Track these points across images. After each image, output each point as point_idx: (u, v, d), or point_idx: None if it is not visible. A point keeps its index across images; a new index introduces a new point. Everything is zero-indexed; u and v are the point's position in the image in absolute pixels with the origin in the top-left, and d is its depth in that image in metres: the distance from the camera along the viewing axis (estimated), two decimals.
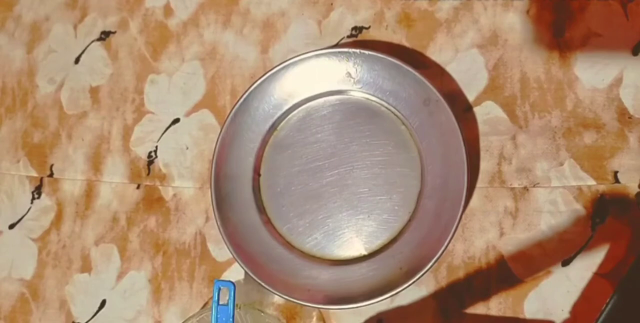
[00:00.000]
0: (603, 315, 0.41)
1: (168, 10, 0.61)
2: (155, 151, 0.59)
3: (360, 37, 0.55)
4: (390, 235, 0.49)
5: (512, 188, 0.49)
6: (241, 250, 0.50)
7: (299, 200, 0.52)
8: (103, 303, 0.57)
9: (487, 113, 0.51)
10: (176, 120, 0.59)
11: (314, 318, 0.51)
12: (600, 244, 0.46)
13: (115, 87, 0.61)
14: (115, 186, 0.59)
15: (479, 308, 0.48)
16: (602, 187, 0.47)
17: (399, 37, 0.54)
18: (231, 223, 0.51)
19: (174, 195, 0.57)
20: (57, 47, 0.64)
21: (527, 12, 0.51)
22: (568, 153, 0.48)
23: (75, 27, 0.64)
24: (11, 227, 0.62)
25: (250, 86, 0.52)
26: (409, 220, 0.49)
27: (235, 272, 0.53)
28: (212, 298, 0.45)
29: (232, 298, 0.44)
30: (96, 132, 0.61)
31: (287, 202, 0.52)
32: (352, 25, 0.55)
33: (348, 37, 0.55)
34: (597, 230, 0.46)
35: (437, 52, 0.53)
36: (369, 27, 0.55)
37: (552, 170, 0.48)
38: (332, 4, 0.56)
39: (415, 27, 0.54)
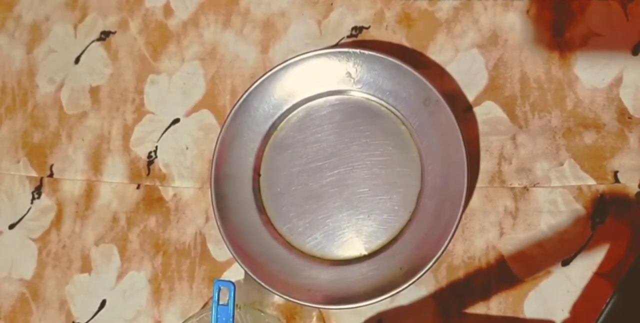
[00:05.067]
0: (603, 315, 0.41)
1: (168, 10, 0.61)
2: (155, 151, 0.59)
3: (360, 37, 0.55)
4: (390, 235, 0.49)
5: (512, 188, 0.49)
6: (241, 250, 0.50)
7: (299, 200, 0.52)
8: (103, 303, 0.57)
9: (487, 113, 0.51)
10: (176, 120, 0.59)
11: (314, 318, 0.51)
12: (600, 244, 0.46)
13: (115, 87, 0.61)
14: (115, 186, 0.59)
15: (479, 308, 0.48)
16: (602, 187, 0.47)
17: (399, 37, 0.54)
18: (231, 223, 0.51)
19: (174, 195, 0.57)
20: (57, 47, 0.64)
21: (527, 12, 0.51)
22: (568, 153, 0.48)
23: (75, 27, 0.64)
24: (11, 227, 0.62)
25: (250, 86, 0.52)
26: (409, 220, 0.49)
27: (235, 272, 0.53)
28: (212, 298, 0.45)
29: (232, 298, 0.44)
30: (96, 132, 0.61)
31: (287, 202, 0.52)
32: (352, 25, 0.55)
33: (348, 37, 0.55)
34: (597, 230, 0.46)
35: (437, 52, 0.53)
36: (369, 27, 0.55)
37: (552, 170, 0.48)
38: (332, 4, 0.56)
39: (415, 27, 0.54)
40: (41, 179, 0.62)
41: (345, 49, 0.51)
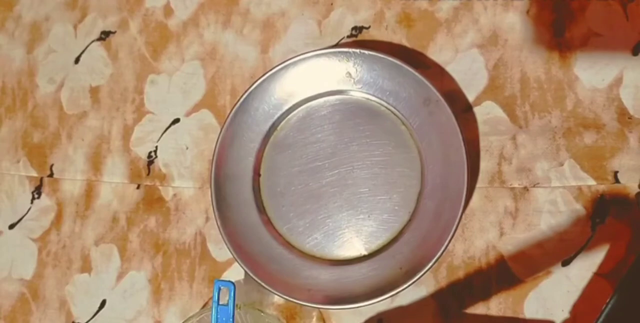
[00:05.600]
0: (603, 315, 0.41)
1: (168, 10, 0.61)
2: (155, 151, 0.59)
3: (360, 37, 0.55)
4: (390, 235, 0.49)
5: (512, 188, 0.49)
6: (241, 250, 0.50)
7: (299, 200, 0.52)
8: (103, 303, 0.57)
9: (487, 113, 0.51)
10: (176, 120, 0.59)
11: (314, 318, 0.51)
12: (600, 244, 0.46)
13: (115, 87, 0.61)
14: (115, 186, 0.59)
15: (479, 308, 0.48)
16: (602, 187, 0.47)
17: (399, 37, 0.54)
18: (231, 223, 0.51)
19: (174, 195, 0.57)
20: (57, 47, 0.64)
21: (527, 12, 0.51)
22: (568, 153, 0.48)
23: (75, 27, 0.64)
24: (11, 227, 0.62)
25: (250, 86, 0.52)
26: (409, 220, 0.49)
27: (235, 272, 0.53)
28: (212, 298, 0.45)
29: (232, 298, 0.44)
30: (96, 132, 0.61)
31: (287, 202, 0.52)
32: (352, 25, 0.55)
33: (348, 37, 0.55)
34: (597, 230, 0.46)
35: (437, 52, 0.53)
36: (369, 27, 0.55)
37: (552, 170, 0.48)
38: (332, 4, 0.56)
39: (415, 27, 0.54)
40: (41, 179, 0.62)
41: (345, 49, 0.51)
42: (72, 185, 0.60)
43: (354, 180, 0.51)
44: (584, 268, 0.46)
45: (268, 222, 0.52)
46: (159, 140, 0.59)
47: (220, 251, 0.54)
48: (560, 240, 0.47)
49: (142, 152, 0.59)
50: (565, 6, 0.50)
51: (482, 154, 0.50)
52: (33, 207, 0.61)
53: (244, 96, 0.52)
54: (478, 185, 0.50)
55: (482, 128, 0.51)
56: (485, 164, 0.50)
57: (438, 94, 0.47)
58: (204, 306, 0.54)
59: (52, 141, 0.62)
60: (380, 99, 0.51)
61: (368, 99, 0.52)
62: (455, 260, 0.49)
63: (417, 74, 0.48)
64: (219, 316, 0.44)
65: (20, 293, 0.60)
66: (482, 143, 0.50)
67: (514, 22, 0.51)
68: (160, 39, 0.61)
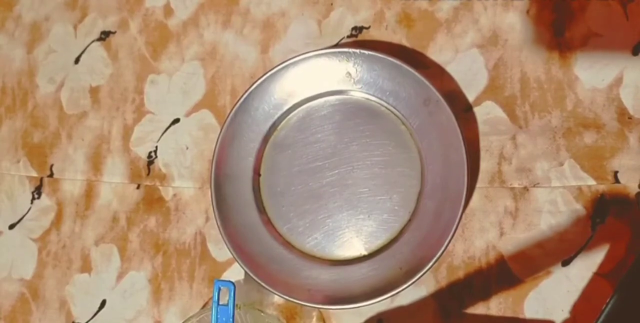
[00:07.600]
0: (603, 315, 0.41)
1: (168, 10, 0.61)
2: (155, 151, 0.59)
3: (360, 37, 0.55)
4: (390, 235, 0.49)
5: (512, 188, 0.49)
6: (241, 250, 0.50)
7: (299, 200, 0.52)
8: (103, 303, 0.57)
9: (487, 113, 0.51)
10: (176, 120, 0.59)
11: (314, 318, 0.51)
12: (600, 244, 0.46)
13: (115, 87, 0.61)
14: (115, 186, 0.59)
15: (479, 308, 0.48)
16: (602, 187, 0.47)
17: (399, 37, 0.54)
18: (231, 223, 0.51)
19: (174, 195, 0.57)
20: (57, 47, 0.64)
21: (527, 12, 0.51)
22: (568, 153, 0.48)
23: (75, 27, 0.64)
24: (11, 227, 0.62)
25: (250, 86, 0.52)
26: (409, 220, 0.49)
27: (235, 272, 0.53)
28: (212, 298, 0.45)
29: (232, 298, 0.44)
30: (96, 132, 0.61)
31: (287, 202, 0.52)
32: (352, 25, 0.55)
33: (348, 37, 0.55)
34: (597, 230, 0.46)
35: (437, 52, 0.53)
36: (369, 27, 0.55)
37: (552, 170, 0.48)
38: (332, 4, 0.56)
39: (415, 27, 0.54)
40: (41, 179, 0.62)
41: (345, 49, 0.51)
42: (72, 185, 0.60)
43: (354, 180, 0.51)
44: (584, 268, 0.46)
45: (268, 222, 0.52)
46: (159, 140, 0.59)
47: (220, 251, 0.54)
48: (560, 240, 0.47)
49: (142, 152, 0.59)
50: (565, 6, 0.50)
51: (482, 153, 0.50)
52: (33, 207, 0.61)
53: (244, 96, 0.52)
54: (478, 185, 0.50)
55: (482, 128, 0.51)
56: (485, 164, 0.50)
57: (438, 94, 0.47)
58: (204, 306, 0.54)
59: (52, 141, 0.62)
60: (380, 99, 0.51)
61: (368, 99, 0.52)
62: (455, 260, 0.49)
63: (417, 74, 0.48)
64: (219, 316, 0.44)
65: (20, 293, 0.60)
66: (482, 143, 0.50)
67: (514, 22, 0.51)
68: (160, 39, 0.61)
